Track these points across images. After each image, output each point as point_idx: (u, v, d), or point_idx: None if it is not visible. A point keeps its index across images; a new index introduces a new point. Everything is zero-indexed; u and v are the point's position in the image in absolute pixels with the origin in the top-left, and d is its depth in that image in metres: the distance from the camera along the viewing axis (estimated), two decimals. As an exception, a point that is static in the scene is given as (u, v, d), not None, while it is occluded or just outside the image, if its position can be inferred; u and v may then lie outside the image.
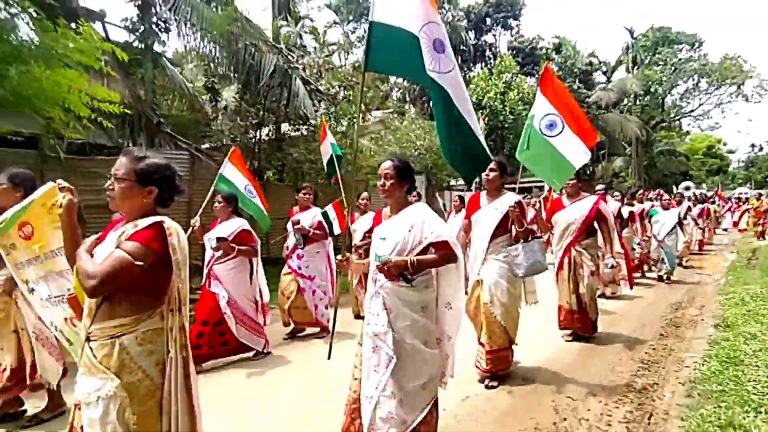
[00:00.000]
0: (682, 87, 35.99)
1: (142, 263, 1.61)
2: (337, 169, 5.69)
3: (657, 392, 3.44)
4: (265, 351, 4.39)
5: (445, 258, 2.39)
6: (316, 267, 5.04)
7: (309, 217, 5.02)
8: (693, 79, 35.12)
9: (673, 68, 34.15)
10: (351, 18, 27.27)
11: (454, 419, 3.07)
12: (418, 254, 2.36)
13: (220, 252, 4.11)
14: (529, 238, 3.52)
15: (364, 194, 6.09)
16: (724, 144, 46.13)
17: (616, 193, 7.77)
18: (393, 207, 2.55)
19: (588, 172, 35.10)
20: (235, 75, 8.67)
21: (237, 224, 4.22)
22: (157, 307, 1.72)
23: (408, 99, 25.35)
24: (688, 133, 42.45)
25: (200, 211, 4.65)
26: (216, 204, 4.30)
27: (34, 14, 5.34)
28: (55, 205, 1.84)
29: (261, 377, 3.97)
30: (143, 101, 8.00)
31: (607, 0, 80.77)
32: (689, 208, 11.01)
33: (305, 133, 9.97)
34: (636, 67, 33.10)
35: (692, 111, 37.40)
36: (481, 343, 3.64)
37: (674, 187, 25.85)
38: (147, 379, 1.65)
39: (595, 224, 4.67)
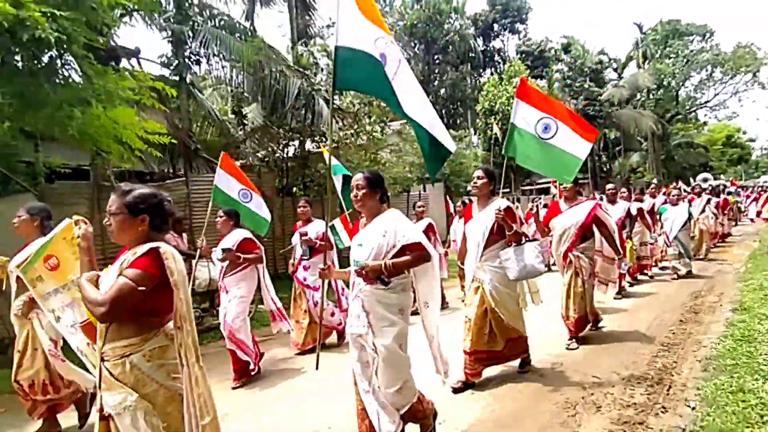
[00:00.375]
0: (695, 78, 35.70)
1: (143, 288, 1.76)
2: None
3: (676, 369, 3.79)
4: (255, 371, 4.34)
5: (419, 258, 2.55)
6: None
7: (314, 230, 5.09)
8: (706, 70, 34.83)
9: (685, 60, 33.96)
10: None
11: (492, 397, 3.48)
12: (392, 257, 2.52)
13: (227, 263, 4.28)
14: (522, 242, 3.55)
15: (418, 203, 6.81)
16: (744, 133, 45.35)
17: (623, 191, 7.59)
18: (367, 215, 2.71)
19: (605, 169, 35.04)
20: (262, 99, 9.27)
21: (238, 235, 4.35)
22: (161, 326, 1.87)
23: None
24: (705, 123, 41.94)
25: (203, 230, 4.96)
26: (218, 219, 4.46)
27: (90, 60, 6.00)
28: (74, 238, 2.02)
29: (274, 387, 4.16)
30: (180, 129, 8.65)
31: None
32: (708, 200, 10.81)
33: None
34: (647, 61, 33.04)
35: (708, 102, 37.04)
36: (466, 352, 3.65)
37: (691, 180, 25.61)
38: (162, 389, 1.80)
39: (594, 229, 4.71)
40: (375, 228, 2.62)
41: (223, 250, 4.20)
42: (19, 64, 5.10)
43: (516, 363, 4.00)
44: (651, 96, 33.28)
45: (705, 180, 23.71)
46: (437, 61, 26.40)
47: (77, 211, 6.90)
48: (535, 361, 4.07)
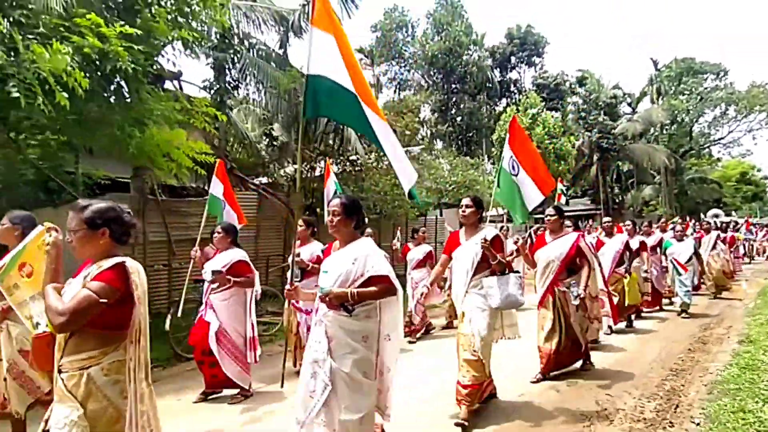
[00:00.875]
0: (709, 115, 36.13)
1: (106, 300, 1.77)
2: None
3: (683, 391, 4.11)
4: (249, 391, 4.30)
5: (384, 291, 2.54)
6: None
7: (308, 251, 4.85)
8: (720, 108, 35.27)
9: (699, 97, 34.45)
10: (382, 59, 28.97)
11: (512, 408, 3.82)
12: (359, 286, 2.51)
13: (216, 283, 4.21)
14: (506, 272, 3.54)
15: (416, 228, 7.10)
16: (759, 170, 45.28)
17: (627, 224, 7.38)
18: (341, 241, 2.70)
19: (617, 201, 35.24)
20: (295, 123, 9.86)
21: (233, 255, 4.24)
22: (122, 340, 1.86)
23: (434, 134, 26.62)
24: (719, 160, 42.06)
25: (198, 240, 5.21)
26: (216, 234, 4.39)
27: (149, 85, 6.62)
28: (45, 244, 2.03)
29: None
30: (218, 148, 9.23)
31: (630, 33, 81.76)
32: (718, 237, 10.48)
33: (353, 172, 11.08)
34: (661, 97, 33.56)
35: (722, 138, 37.36)
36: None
37: (701, 215, 25.51)
38: (111, 407, 1.79)
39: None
40: (346, 255, 2.61)
41: (213, 272, 4.06)
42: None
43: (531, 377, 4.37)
44: (665, 131, 33.66)
45: (716, 216, 23.42)
46: (455, 90, 27.19)
47: (124, 222, 7.40)
48: (551, 380, 4.43)
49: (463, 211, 3.75)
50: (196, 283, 6.56)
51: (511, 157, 4.41)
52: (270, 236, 9.86)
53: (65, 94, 4.44)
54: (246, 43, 10.26)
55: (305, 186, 10.56)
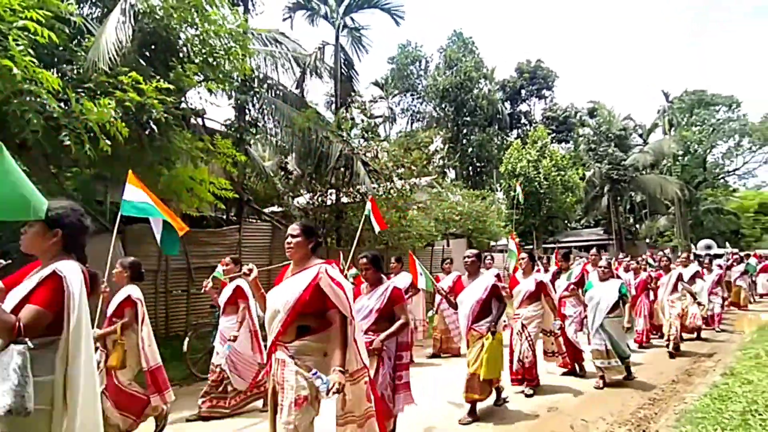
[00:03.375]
0: (723, 146, 36.11)
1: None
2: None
3: (654, 418, 4.43)
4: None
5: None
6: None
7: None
8: (734, 139, 35.29)
9: (711, 129, 34.59)
10: (396, 93, 30.05)
11: (492, 429, 4.20)
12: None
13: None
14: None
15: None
16: (777, 201, 44.62)
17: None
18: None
19: (631, 231, 35.13)
20: (308, 159, 10.58)
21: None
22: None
23: (445, 165, 27.29)
24: (735, 190, 41.69)
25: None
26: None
27: (179, 129, 7.37)
28: None
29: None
30: (236, 182, 9.94)
31: (641, 64, 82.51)
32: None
33: (362, 203, 11.70)
34: (672, 128, 33.85)
35: (737, 169, 37.19)
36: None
37: (701, 246, 23.29)
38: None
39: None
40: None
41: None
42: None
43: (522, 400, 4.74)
44: (677, 162, 33.75)
45: (708, 247, 20.38)
46: (465, 122, 28.00)
47: (149, 250, 8.04)
48: (533, 405, 4.81)
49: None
50: (212, 308, 7.14)
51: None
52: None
53: (108, 141, 5.14)
54: (265, 84, 11.12)
55: (316, 216, 11.18)
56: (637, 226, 36.06)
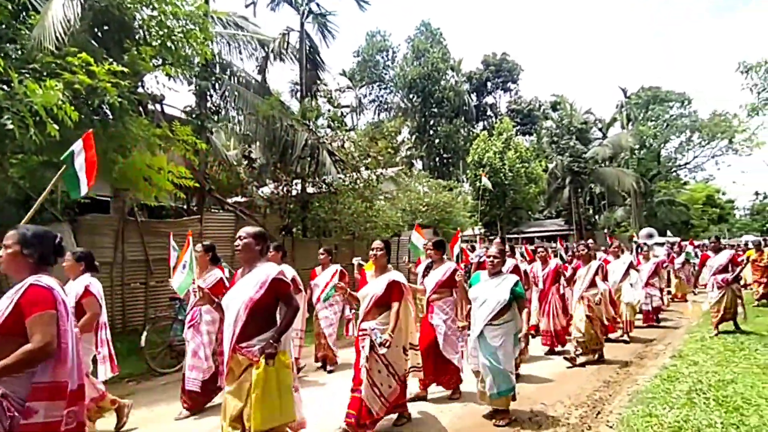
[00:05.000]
0: (675, 141, 37.92)
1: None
2: None
3: (609, 400, 4.63)
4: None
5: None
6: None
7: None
8: (685, 134, 37.10)
9: (665, 124, 36.23)
10: (363, 83, 29.82)
11: (452, 413, 4.28)
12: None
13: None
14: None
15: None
16: (723, 194, 47.37)
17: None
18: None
19: (591, 222, 36.47)
20: (272, 147, 10.36)
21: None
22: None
23: (412, 156, 27.40)
24: (686, 183, 43.89)
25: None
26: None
27: (133, 113, 7.02)
28: None
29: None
30: (197, 171, 9.62)
31: (602, 60, 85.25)
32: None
33: (328, 193, 11.57)
34: (630, 123, 35.23)
35: (687, 163, 39.14)
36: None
37: (643, 234, 21.57)
38: None
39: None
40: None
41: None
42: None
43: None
44: (634, 155, 35.17)
45: (650, 236, 17.68)
46: (433, 114, 28.16)
47: (103, 242, 7.73)
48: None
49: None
50: (171, 301, 6.91)
51: None
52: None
53: (56, 126, 4.84)
54: (228, 70, 10.77)
55: (282, 206, 11.00)
56: (597, 216, 37.40)
